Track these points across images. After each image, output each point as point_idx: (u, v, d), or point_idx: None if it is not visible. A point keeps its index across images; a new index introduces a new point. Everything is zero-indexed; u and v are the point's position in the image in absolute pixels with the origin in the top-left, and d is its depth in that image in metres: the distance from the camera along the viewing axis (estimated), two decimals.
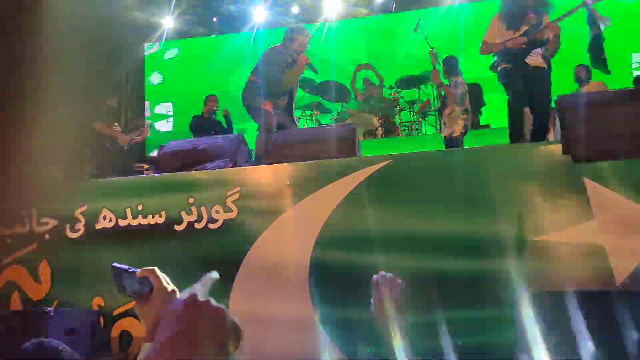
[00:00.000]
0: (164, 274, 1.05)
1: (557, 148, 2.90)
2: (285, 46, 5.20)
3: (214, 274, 0.88)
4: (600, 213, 2.67)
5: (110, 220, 3.24)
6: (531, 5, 4.63)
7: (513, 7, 4.66)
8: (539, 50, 4.61)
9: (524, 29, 4.60)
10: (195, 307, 0.74)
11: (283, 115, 5.28)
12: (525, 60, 4.51)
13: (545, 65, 4.59)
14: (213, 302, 0.74)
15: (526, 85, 4.52)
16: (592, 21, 4.88)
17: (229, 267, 3.03)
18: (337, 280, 2.91)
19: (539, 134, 4.40)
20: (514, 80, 4.59)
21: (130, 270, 1.09)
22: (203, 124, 7.70)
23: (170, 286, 1.05)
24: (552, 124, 4.51)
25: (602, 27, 5.02)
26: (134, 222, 3.20)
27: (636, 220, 2.63)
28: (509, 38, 4.58)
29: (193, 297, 0.75)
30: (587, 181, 2.73)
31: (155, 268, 1.05)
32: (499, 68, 4.71)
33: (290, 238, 3.10)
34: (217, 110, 7.90)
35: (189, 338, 0.71)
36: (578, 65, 6.76)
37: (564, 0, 5.13)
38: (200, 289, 0.81)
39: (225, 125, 7.91)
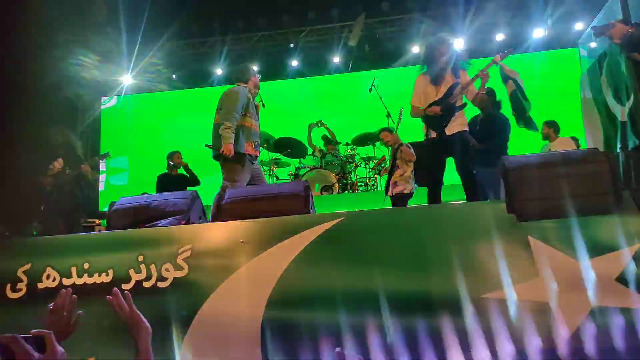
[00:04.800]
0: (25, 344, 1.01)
1: (503, 206, 2.99)
2: (242, 88, 5.29)
3: None
4: (545, 271, 2.74)
5: (54, 280, 3.12)
6: (447, 65, 4.80)
7: (432, 66, 4.85)
8: (461, 113, 4.78)
9: (444, 88, 4.79)
10: None
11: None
12: (445, 129, 4.72)
13: (467, 129, 4.80)
14: None
15: (447, 153, 4.77)
16: (505, 78, 5.10)
17: (179, 326, 2.94)
18: (289, 340, 2.85)
19: (472, 196, 4.58)
20: (433, 149, 4.86)
21: None
22: (171, 182, 7.68)
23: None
24: None
25: (519, 82, 5.21)
26: (79, 281, 3.09)
27: (579, 278, 2.71)
28: (431, 102, 4.78)
29: None
30: (532, 239, 2.82)
31: (17, 336, 1.03)
32: (429, 135, 4.93)
33: (242, 296, 3.04)
34: (177, 166, 7.93)
35: None
36: (545, 122, 7.08)
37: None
38: None
39: (188, 176, 7.93)
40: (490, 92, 5.97)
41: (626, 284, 2.64)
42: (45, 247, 3.40)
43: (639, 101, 4.02)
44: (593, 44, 8.71)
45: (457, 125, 4.75)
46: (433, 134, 4.82)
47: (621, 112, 4.39)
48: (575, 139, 7.33)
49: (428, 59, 4.89)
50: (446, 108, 4.71)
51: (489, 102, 5.86)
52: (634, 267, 2.66)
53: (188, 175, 7.88)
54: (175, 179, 7.81)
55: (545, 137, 7.07)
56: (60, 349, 1.09)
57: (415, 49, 10.32)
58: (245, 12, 10.18)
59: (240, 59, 10.94)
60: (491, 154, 5.45)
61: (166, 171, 7.94)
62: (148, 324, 2.01)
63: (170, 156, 7.92)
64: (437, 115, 4.71)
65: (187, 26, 10.35)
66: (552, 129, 7.04)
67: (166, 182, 7.73)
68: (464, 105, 4.78)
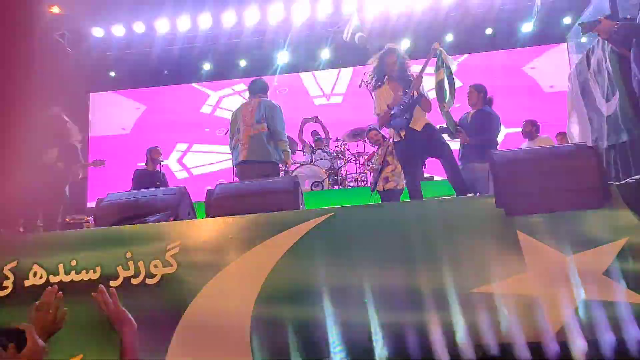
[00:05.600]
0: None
1: (492, 201, 3.00)
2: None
3: None
4: (533, 265, 2.75)
5: (41, 277, 3.08)
6: (398, 72, 5.24)
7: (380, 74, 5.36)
8: (423, 112, 5.13)
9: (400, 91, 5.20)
10: None
11: None
12: (411, 126, 5.03)
13: (429, 122, 5.18)
14: None
15: (421, 150, 5.08)
16: (439, 66, 5.31)
17: (167, 323, 2.91)
18: (278, 336, 2.85)
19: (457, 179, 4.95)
20: (405, 150, 5.12)
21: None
22: (147, 177, 7.60)
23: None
24: None
25: (452, 74, 5.43)
26: (66, 279, 3.06)
27: (566, 271, 2.73)
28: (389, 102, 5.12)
29: None
30: (520, 234, 2.83)
31: (32, 326, 1.03)
32: (395, 138, 5.21)
33: (231, 293, 3.03)
34: (161, 162, 7.84)
35: None
36: (525, 120, 7.17)
37: None
38: None
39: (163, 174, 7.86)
40: (481, 89, 6.01)
41: (613, 278, 2.66)
42: (32, 244, 3.36)
43: (625, 96, 4.04)
44: (583, 39, 8.78)
45: (423, 120, 5.08)
46: (397, 138, 5.11)
47: (608, 107, 4.42)
48: (563, 135, 7.38)
49: (378, 70, 5.33)
50: (407, 102, 5.03)
51: (479, 99, 5.90)
52: (621, 261, 2.68)
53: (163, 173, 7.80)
54: (152, 174, 7.72)
55: (526, 135, 7.15)
56: (41, 343, 1.09)
57: (405, 43, 10.32)
58: (235, 6, 10.11)
59: (228, 54, 10.88)
60: (481, 149, 5.50)
61: (144, 166, 7.85)
62: (133, 320, 2.02)
63: (150, 151, 7.83)
64: (401, 107, 5.00)
65: (175, 20, 10.27)
66: (533, 127, 7.11)
67: (143, 177, 7.65)
68: (420, 96, 5.07)
